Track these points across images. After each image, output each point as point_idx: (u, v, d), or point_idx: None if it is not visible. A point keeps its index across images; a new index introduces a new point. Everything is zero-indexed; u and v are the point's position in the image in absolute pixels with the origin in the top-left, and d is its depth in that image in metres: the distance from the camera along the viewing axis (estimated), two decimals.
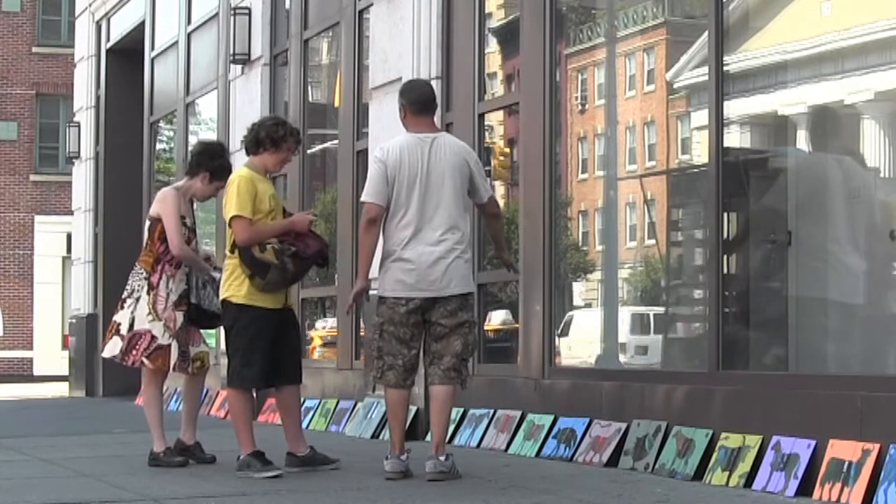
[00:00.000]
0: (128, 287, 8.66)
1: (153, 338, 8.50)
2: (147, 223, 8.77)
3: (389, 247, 7.51)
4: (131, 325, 8.55)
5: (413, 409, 10.32)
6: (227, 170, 8.58)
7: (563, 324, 9.45)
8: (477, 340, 7.85)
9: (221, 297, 8.02)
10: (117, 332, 8.60)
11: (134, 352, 8.54)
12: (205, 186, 8.65)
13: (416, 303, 7.46)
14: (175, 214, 8.56)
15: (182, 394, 9.31)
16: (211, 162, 8.66)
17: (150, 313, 8.50)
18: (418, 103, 7.64)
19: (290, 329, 8.10)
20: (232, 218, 7.82)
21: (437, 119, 10.54)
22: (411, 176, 7.45)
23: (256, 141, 8.04)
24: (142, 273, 8.58)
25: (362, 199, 7.60)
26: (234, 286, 7.90)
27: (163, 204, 8.63)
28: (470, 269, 7.60)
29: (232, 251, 7.92)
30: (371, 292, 7.78)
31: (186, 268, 8.60)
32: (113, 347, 8.62)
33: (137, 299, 8.55)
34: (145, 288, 8.54)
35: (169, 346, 8.50)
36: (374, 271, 7.68)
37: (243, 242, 7.81)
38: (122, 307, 8.64)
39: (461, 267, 7.49)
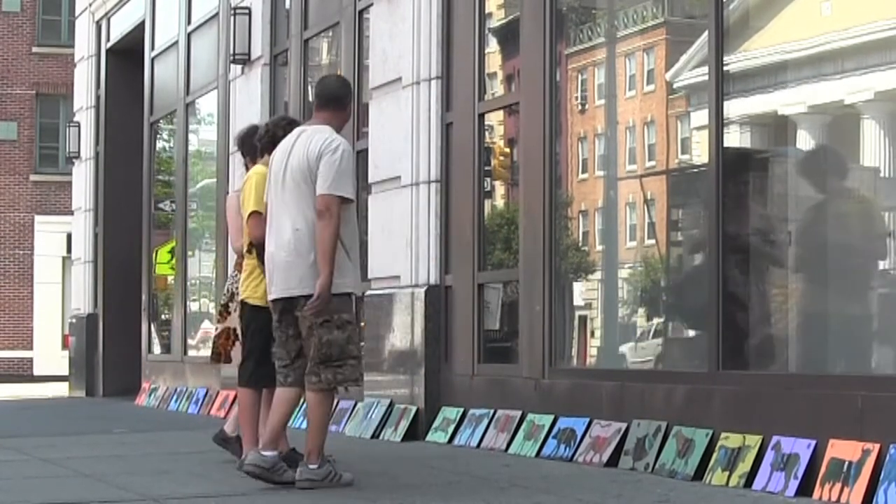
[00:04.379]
0: (225, 292, 8.70)
1: None
2: None
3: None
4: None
5: (413, 408, 10.34)
6: (254, 147, 8.50)
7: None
8: (341, 343, 7.17)
9: (240, 298, 8.07)
10: (237, 337, 8.57)
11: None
12: None
13: (279, 304, 7.31)
14: (234, 216, 8.55)
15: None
16: (244, 146, 8.72)
17: None
18: (317, 97, 7.60)
19: None
20: (250, 214, 7.86)
21: (431, 118, 10.63)
22: (275, 174, 7.39)
23: (273, 141, 8.06)
24: (237, 277, 8.57)
25: None
26: (251, 287, 7.97)
27: (227, 210, 8.73)
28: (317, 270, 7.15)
29: (249, 251, 7.95)
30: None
31: None
32: (237, 354, 8.61)
33: None
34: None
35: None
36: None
37: (258, 239, 7.81)
38: (230, 313, 8.60)
39: (301, 267, 7.19)
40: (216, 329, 8.74)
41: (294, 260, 7.19)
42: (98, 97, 20.32)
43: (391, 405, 10.62)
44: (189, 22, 16.87)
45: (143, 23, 18.53)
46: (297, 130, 7.52)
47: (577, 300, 9.78)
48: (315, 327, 7.14)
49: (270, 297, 7.35)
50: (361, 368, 7.46)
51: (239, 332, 8.43)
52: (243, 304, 8.07)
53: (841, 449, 6.55)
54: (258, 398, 8.02)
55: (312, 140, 7.28)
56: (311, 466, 7.15)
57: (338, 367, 7.17)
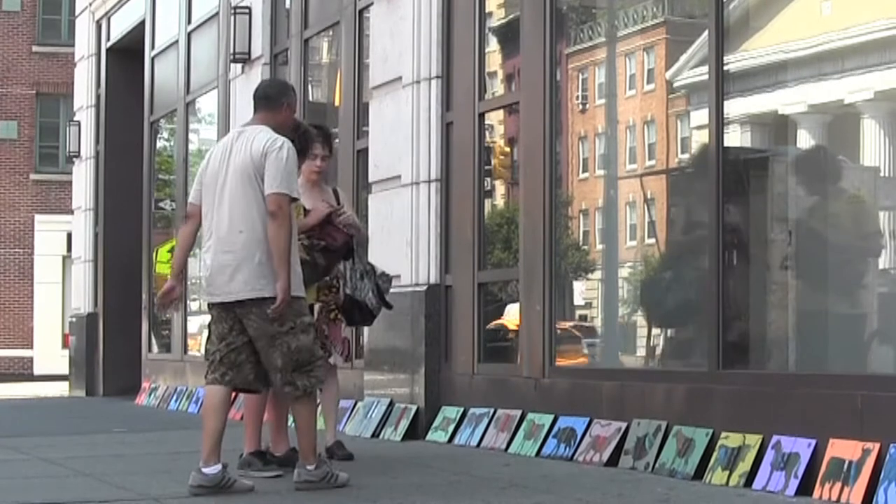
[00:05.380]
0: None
1: None
2: None
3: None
4: None
5: (413, 408, 10.33)
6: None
7: None
8: (309, 346, 7.10)
9: None
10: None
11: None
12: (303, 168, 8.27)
13: (219, 307, 7.20)
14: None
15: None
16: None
17: None
18: (254, 99, 7.53)
19: None
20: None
21: (431, 117, 10.62)
22: (211, 176, 7.29)
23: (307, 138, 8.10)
24: None
25: None
26: None
27: None
28: (267, 270, 7.01)
29: None
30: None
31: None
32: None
33: None
34: None
35: None
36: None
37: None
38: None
39: (245, 270, 7.05)
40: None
41: (238, 263, 7.08)
42: (98, 96, 20.32)
43: (391, 404, 10.62)
44: (189, 21, 16.87)
45: (143, 22, 18.54)
46: (234, 131, 7.47)
47: (577, 300, 9.78)
48: (279, 336, 7.05)
49: (211, 299, 7.24)
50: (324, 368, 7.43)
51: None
52: None
53: (841, 448, 6.55)
54: (264, 398, 8.03)
55: (255, 140, 7.18)
56: (309, 468, 7.16)
57: (310, 370, 7.13)
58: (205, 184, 7.32)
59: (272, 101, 7.44)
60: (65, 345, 26.13)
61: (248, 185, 7.11)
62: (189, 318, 16.82)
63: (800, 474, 6.71)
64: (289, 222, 7.09)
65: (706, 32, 8.04)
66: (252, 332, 7.11)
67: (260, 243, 7.05)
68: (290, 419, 8.51)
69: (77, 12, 21.74)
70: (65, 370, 22.31)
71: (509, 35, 10.28)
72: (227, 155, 7.25)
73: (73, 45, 23.05)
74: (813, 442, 6.72)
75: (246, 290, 7.06)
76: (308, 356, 7.12)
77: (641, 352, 9.29)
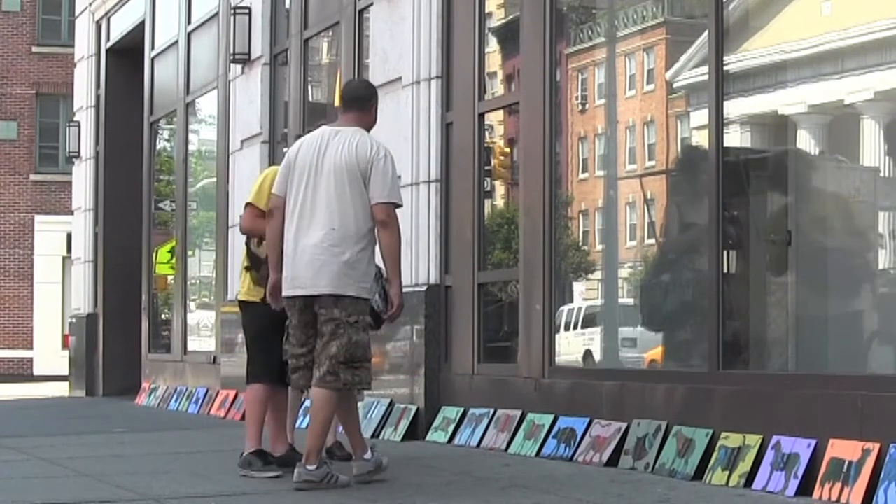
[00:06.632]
0: None
1: None
2: None
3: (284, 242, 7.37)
4: None
5: (413, 408, 10.33)
6: None
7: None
8: (365, 344, 7.20)
9: (239, 299, 8.12)
10: None
11: None
12: None
13: (300, 301, 7.22)
14: None
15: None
16: None
17: None
18: (344, 99, 7.59)
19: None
20: (245, 204, 7.95)
21: (431, 118, 10.62)
22: (301, 168, 7.28)
23: None
24: None
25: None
26: (245, 283, 8.03)
27: None
28: (350, 270, 7.12)
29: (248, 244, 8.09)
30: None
31: None
32: None
33: None
34: None
35: None
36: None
37: (242, 230, 8.05)
38: None
39: (333, 266, 7.11)
40: None
41: (327, 259, 7.12)
42: (98, 97, 20.33)
43: (391, 405, 10.62)
44: (189, 21, 16.87)
45: (143, 22, 18.54)
46: (327, 130, 7.44)
47: (577, 300, 9.78)
48: (344, 325, 7.11)
49: (293, 292, 7.22)
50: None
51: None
52: (242, 304, 8.09)
53: (841, 449, 6.55)
54: (259, 397, 8.02)
55: (357, 143, 7.25)
56: (310, 467, 7.14)
57: (356, 368, 7.17)
58: (294, 175, 7.30)
59: (364, 102, 7.56)
60: (65, 345, 26.13)
61: (348, 185, 7.17)
62: (189, 316, 16.82)
63: (800, 474, 6.71)
64: (398, 230, 7.25)
65: (706, 33, 8.04)
66: (320, 323, 7.16)
67: (349, 243, 7.14)
68: (301, 421, 8.53)
69: (77, 12, 21.74)
70: (65, 371, 22.31)
71: (509, 35, 10.29)
72: (323, 150, 7.27)
73: (73, 46, 23.05)
74: (813, 442, 6.73)
75: (329, 286, 7.12)
76: (362, 353, 7.19)
77: (641, 352, 9.28)
